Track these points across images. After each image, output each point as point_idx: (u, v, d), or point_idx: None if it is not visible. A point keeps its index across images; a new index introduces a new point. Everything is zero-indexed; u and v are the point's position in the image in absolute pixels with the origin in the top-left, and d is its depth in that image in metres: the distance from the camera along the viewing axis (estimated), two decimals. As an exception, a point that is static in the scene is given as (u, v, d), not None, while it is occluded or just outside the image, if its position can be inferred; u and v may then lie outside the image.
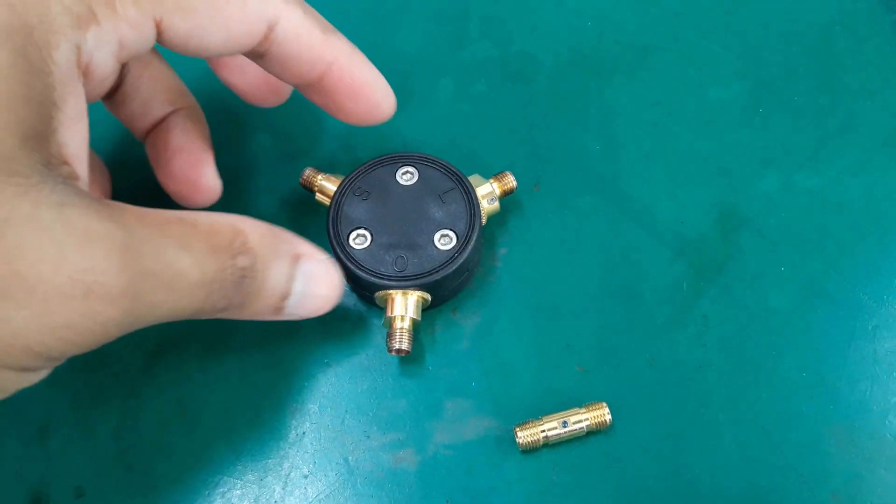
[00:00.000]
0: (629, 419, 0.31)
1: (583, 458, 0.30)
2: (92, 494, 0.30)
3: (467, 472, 0.30)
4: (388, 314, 0.30)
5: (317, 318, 0.30)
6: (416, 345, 0.32)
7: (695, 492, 0.29)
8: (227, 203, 0.33)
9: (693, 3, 0.41)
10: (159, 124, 0.32)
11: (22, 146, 0.20)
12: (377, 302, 0.31)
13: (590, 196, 0.36)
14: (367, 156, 0.33)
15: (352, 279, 0.31)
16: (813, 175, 0.36)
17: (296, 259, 0.27)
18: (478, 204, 0.32)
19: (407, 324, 0.30)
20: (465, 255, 0.30)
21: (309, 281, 0.27)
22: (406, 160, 0.32)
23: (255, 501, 0.30)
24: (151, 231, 0.22)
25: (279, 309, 0.27)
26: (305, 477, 0.30)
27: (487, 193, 0.33)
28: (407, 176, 0.32)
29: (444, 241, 0.31)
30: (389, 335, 0.30)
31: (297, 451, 0.31)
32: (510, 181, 0.33)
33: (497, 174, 0.33)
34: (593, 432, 0.30)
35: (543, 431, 0.30)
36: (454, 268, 0.30)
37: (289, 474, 0.30)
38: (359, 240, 0.31)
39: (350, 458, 0.30)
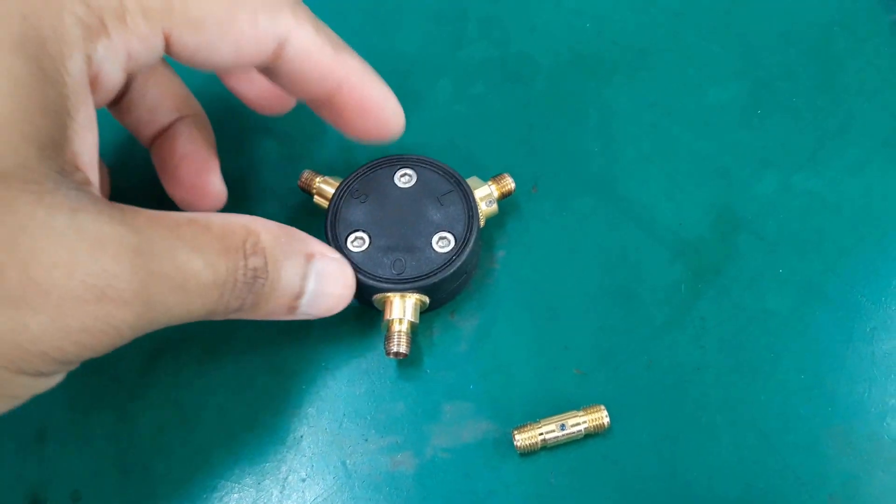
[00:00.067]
0: (627, 421, 0.31)
1: (581, 461, 0.30)
2: (89, 498, 0.30)
3: (465, 475, 0.30)
4: (387, 317, 0.30)
5: (314, 322, 0.30)
6: (414, 347, 0.32)
7: (693, 494, 0.29)
8: (226, 205, 0.33)
9: (692, 3, 0.41)
10: (165, 131, 0.32)
11: (39, 155, 0.20)
12: (375, 304, 0.31)
13: (588, 197, 0.36)
14: (365, 158, 0.33)
15: (350, 282, 0.31)
16: (811, 176, 0.36)
17: (309, 258, 0.27)
18: (476, 206, 0.32)
19: (405, 327, 0.30)
20: (464, 257, 0.30)
21: (322, 280, 0.27)
22: (404, 162, 0.32)
23: (253, 505, 0.30)
24: (163, 233, 0.22)
25: (293, 308, 0.27)
26: (303, 480, 0.30)
27: (486, 196, 0.33)
28: (405, 178, 0.32)
29: (443, 243, 0.31)
30: (387, 338, 0.30)
31: (295, 455, 0.31)
32: (508, 183, 0.33)
33: (495, 176, 0.33)
34: (591, 435, 0.30)
35: (541, 434, 0.30)
36: (452, 270, 0.30)
37: (286, 478, 0.30)
38: (357, 242, 0.31)
39: (348, 461, 0.30)
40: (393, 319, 0.30)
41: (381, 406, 0.31)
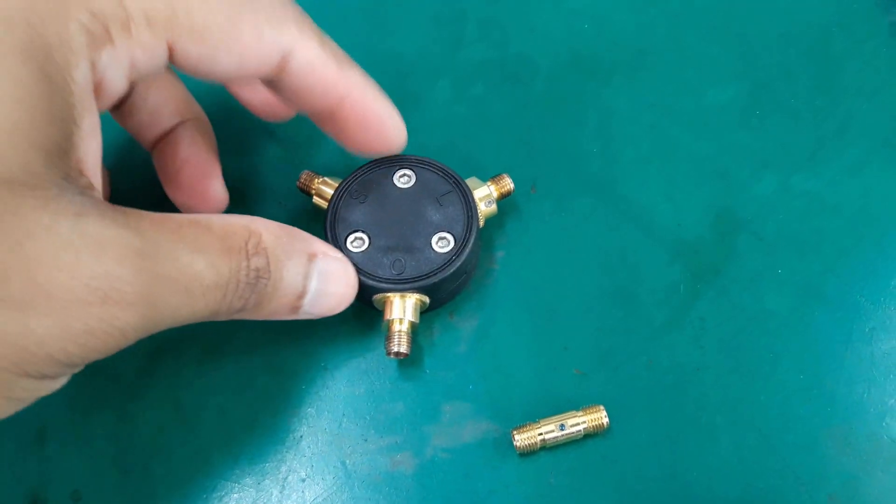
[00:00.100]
0: (626, 422, 0.31)
1: (580, 461, 0.30)
2: (89, 498, 0.30)
3: (465, 475, 0.30)
4: (387, 317, 0.30)
5: (314, 322, 0.30)
6: (414, 348, 0.32)
7: (692, 494, 0.30)
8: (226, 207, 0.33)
9: (691, 4, 0.41)
10: (167, 135, 0.32)
11: (45, 161, 0.21)
12: (375, 305, 0.31)
13: (587, 198, 0.36)
14: (364, 159, 0.33)
15: (349, 282, 0.31)
16: (810, 177, 0.36)
17: (311, 258, 0.27)
18: (475, 206, 0.32)
19: (405, 326, 0.30)
20: (463, 257, 0.30)
21: (325, 279, 0.28)
22: (403, 163, 0.32)
23: (252, 505, 0.30)
24: (166, 235, 0.23)
25: (296, 308, 0.27)
26: (303, 480, 0.30)
27: (485, 196, 0.33)
28: (404, 179, 0.32)
29: (442, 243, 0.31)
30: (388, 338, 0.30)
31: (295, 455, 0.31)
32: (507, 184, 0.33)
33: (494, 177, 0.33)
34: (591, 435, 0.30)
35: (541, 435, 0.30)
36: (452, 270, 0.30)
37: (286, 478, 0.30)
38: (356, 243, 0.31)
39: (347, 461, 0.30)
40: (393, 319, 0.30)
41: (381, 406, 0.31)
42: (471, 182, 0.33)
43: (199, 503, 0.30)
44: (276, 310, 0.26)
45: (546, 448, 0.30)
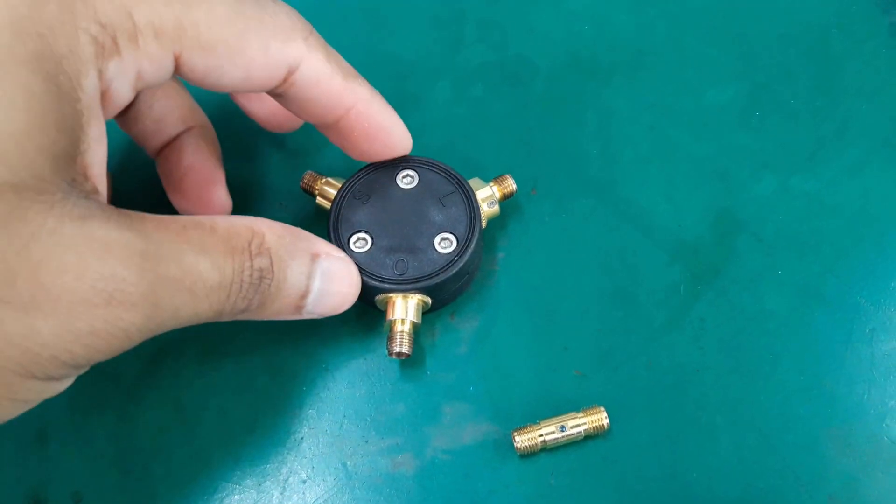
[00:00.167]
0: (627, 422, 0.31)
1: (581, 463, 0.30)
2: (90, 499, 0.30)
3: (465, 476, 0.30)
4: (389, 317, 0.30)
5: (315, 323, 0.30)
6: (415, 349, 0.32)
7: (692, 495, 0.30)
8: (227, 208, 0.33)
9: (690, 5, 0.41)
10: (171, 142, 0.32)
11: (52, 167, 0.21)
12: (377, 305, 0.31)
13: (587, 199, 0.36)
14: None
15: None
16: (810, 178, 0.36)
17: (314, 257, 0.27)
18: (478, 207, 0.32)
19: (407, 327, 0.30)
20: (466, 258, 0.30)
21: (328, 279, 0.28)
22: (406, 164, 0.32)
23: (253, 506, 0.30)
24: (170, 237, 0.23)
25: (299, 308, 0.27)
26: (304, 482, 0.30)
27: (487, 197, 0.33)
28: (407, 179, 0.32)
29: (445, 244, 0.31)
30: (390, 338, 0.30)
31: (296, 457, 0.31)
32: (510, 184, 0.33)
33: (497, 177, 0.33)
34: (591, 436, 0.30)
35: (541, 436, 0.30)
36: (454, 271, 0.30)
37: (287, 479, 0.30)
38: (359, 243, 0.31)
39: (348, 462, 0.30)
40: (395, 320, 0.30)
41: (382, 407, 0.31)
42: (473, 183, 0.33)
43: (200, 504, 0.30)
44: (279, 310, 0.27)
45: (546, 449, 0.30)
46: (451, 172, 0.32)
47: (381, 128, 0.30)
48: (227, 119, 0.37)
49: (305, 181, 0.33)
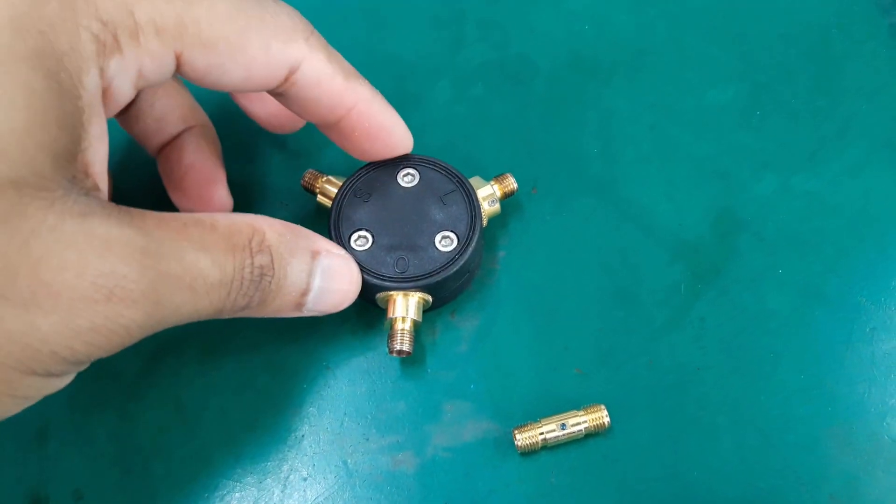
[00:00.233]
0: (627, 421, 0.31)
1: (581, 461, 0.30)
2: (90, 497, 0.30)
3: (466, 474, 0.30)
4: (389, 315, 0.30)
5: (315, 321, 0.30)
6: (416, 347, 0.32)
7: (693, 494, 0.30)
8: (227, 206, 0.33)
9: (690, 5, 0.41)
10: (172, 141, 0.32)
11: (52, 164, 0.21)
12: (378, 303, 0.31)
13: (588, 198, 0.36)
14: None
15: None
16: (810, 177, 0.36)
17: (314, 255, 0.27)
18: (479, 206, 0.32)
19: (408, 325, 0.30)
20: (466, 256, 0.30)
21: (328, 276, 0.28)
22: (407, 162, 0.32)
23: (254, 504, 0.30)
24: (170, 234, 0.23)
25: (300, 305, 0.27)
26: (304, 480, 0.30)
27: (488, 195, 0.33)
28: (408, 178, 0.32)
29: (445, 242, 0.31)
30: (391, 336, 0.30)
31: (296, 454, 0.31)
32: (511, 183, 0.33)
33: (498, 176, 0.33)
34: (592, 435, 0.30)
35: (542, 434, 0.30)
36: (455, 269, 0.30)
37: (287, 477, 0.30)
38: (360, 241, 0.31)
39: (349, 460, 0.30)
40: (396, 318, 0.30)
41: (382, 405, 0.31)
42: (474, 181, 0.33)
43: (201, 502, 0.30)
44: (279, 307, 0.27)
45: (547, 447, 0.30)
46: (451, 171, 0.32)
47: (382, 127, 0.30)
48: (227, 118, 0.37)
49: (306, 180, 0.33)
